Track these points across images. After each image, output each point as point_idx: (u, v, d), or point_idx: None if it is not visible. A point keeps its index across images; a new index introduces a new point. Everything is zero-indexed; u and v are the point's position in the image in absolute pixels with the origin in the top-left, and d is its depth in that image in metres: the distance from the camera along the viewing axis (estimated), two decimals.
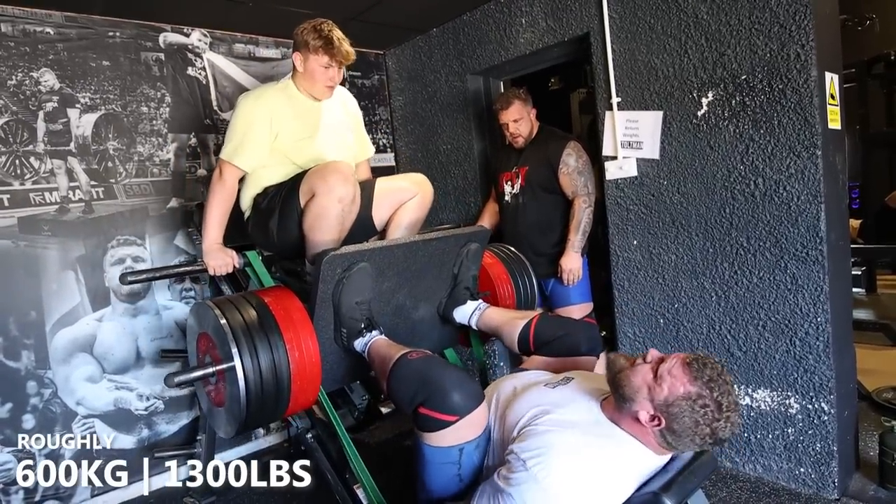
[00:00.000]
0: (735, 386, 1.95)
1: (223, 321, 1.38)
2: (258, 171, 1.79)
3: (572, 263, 2.21)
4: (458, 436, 1.13)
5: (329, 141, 1.82)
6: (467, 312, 1.75)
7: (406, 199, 1.87)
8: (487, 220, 2.53)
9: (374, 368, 1.46)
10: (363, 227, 1.84)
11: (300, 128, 1.77)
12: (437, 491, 1.18)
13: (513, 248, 2.12)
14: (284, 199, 1.74)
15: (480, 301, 1.77)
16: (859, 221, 4.17)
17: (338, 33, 1.71)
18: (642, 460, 1.06)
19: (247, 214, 1.87)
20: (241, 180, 1.80)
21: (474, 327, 1.74)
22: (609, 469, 1.02)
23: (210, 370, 1.41)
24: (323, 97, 1.80)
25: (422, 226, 1.94)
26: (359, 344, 1.53)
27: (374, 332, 1.53)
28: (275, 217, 1.75)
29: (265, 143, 1.73)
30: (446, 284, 1.78)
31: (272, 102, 1.74)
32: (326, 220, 1.63)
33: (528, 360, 1.56)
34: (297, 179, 1.73)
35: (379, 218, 1.88)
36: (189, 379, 1.45)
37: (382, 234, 1.92)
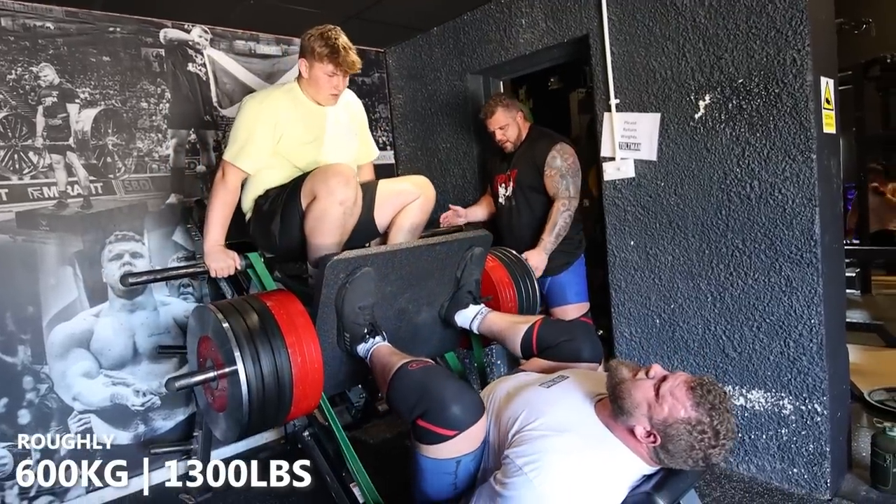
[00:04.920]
0: (729, 392, 1.99)
1: (226, 325, 1.36)
2: (260, 173, 1.77)
3: (537, 261, 2.18)
4: (455, 449, 1.13)
5: (332, 145, 1.80)
6: (469, 317, 1.73)
7: (408, 202, 1.86)
8: (482, 210, 2.54)
9: (375, 375, 1.45)
10: (365, 230, 1.83)
11: (304, 132, 1.76)
12: (433, 496, 1.19)
13: (515, 252, 2.12)
14: (286, 202, 1.72)
15: (482, 306, 1.75)
16: None
17: (344, 41, 1.69)
18: (633, 467, 1.08)
19: (248, 216, 1.86)
20: (244, 181, 1.79)
21: (476, 332, 1.73)
22: (603, 475, 1.03)
23: (212, 374, 1.40)
24: (327, 104, 1.79)
25: (423, 227, 1.93)
26: (362, 349, 1.51)
27: (378, 338, 1.51)
28: (276, 220, 1.73)
29: (268, 147, 1.72)
30: (448, 288, 1.76)
31: (277, 105, 1.72)
32: (328, 223, 1.62)
33: (526, 362, 1.55)
34: (298, 182, 1.71)
35: (381, 220, 1.87)
36: (191, 384, 1.42)
37: (384, 236, 1.91)
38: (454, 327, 1.78)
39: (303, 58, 1.72)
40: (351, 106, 1.93)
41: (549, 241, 2.20)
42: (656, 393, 1.03)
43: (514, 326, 1.59)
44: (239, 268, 1.76)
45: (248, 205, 1.84)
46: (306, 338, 1.42)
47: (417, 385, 1.19)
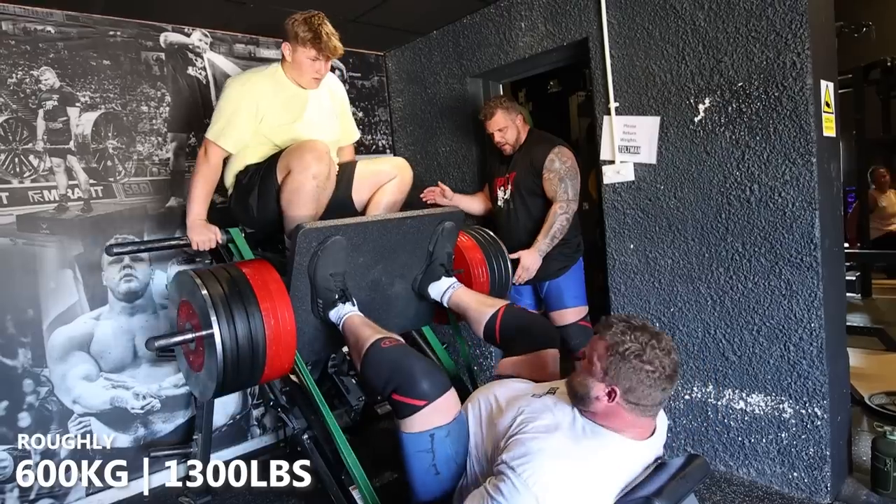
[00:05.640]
0: (729, 395, 1.99)
1: (203, 290, 1.46)
2: (241, 151, 1.85)
3: (531, 263, 2.18)
4: (428, 420, 1.22)
5: (312, 126, 1.87)
6: (441, 289, 1.79)
7: (385, 182, 1.95)
8: (472, 203, 2.52)
9: (348, 345, 1.55)
10: (343, 208, 1.92)
11: (285, 113, 1.83)
12: (417, 484, 1.26)
13: (490, 232, 2.17)
14: (263, 176, 1.82)
15: (455, 280, 1.81)
16: None
17: (327, 28, 1.76)
18: (628, 453, 1.09)
19: (230, 191, 1.95)
20: (226, 159, 1.87)
21: (445, 304, 1.79)
22: (596, 467, 1.04)
23: (189, 336, 1.48)
24: (310, 87, 1.85)
25: (401, 208, 2.00)
26: (333, 314, 1.60)
27: (348, 304, 1.59)
28: (254, 193, 1.83)
29: (250, 127, 1.80)
30: (421, 262, 1.83)
31: (259, 88, 1.79)
32: (302, 196, 1.71)
33: (503, 361, 1.60)
34: (275, 157, 1.80)
35: (359, 199, 1.97)
36: (170, 344, 1.52)
37: (362, 214, 1.97)
38: (428, 301, 1.85)
39: (286, 42, 1.78)
40: (333, 89, 2.00)
41: (544, 242, 2.20)
42: (586, 362, 1.12)
43: (481, 308, 1.66)
44: (220, 241, 1.84)
45: (229, 181, 1.93)
46: (280, 303, 1.51)
47: (390, 362, 1.31)
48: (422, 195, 2.48)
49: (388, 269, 1.76)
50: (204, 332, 1.44)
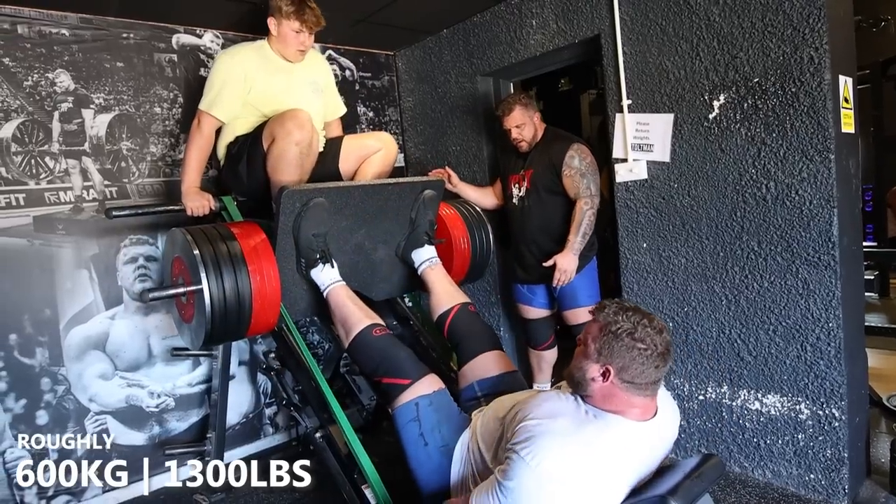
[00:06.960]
0: (745, 396, 1.97)
1: (195, 248, 1.55)
2: (231, 122, 1.96)
3: (568, 264, 2.17)
4: (413, 392, 1.44)
5: (297, 98, 1.95)
6: (421, 258, 1.89)
7: (371, 154, 2.07)
8: (478, 194, 2.51)
9: (334, 318, 1.69)
10: (331, 179, 2.00)
11: (271, 85, 1.93)
12: (411, 459, 1.39)
13: (476, 207, 2.25)
14: (250, 145, 1.92)
15: (434, 254, 1.91)
16: None
17: (309, 1, 1.87)
18: (632, 433, 1.10)
19: (222, 162, 2.07)
20: (218, 131, 1.98)
21: (419, 274, 1.89)
22: (600, 448, 1.05)
23: (181, 290, 1.61)
24: (295, 60, 1.97)
25: (385, 177, 2.09)
26: (315, 274, 1.72)
27: (328, 266, 1.71)
28: (243, 161, 1.94)
29: (239, 97, 1.91)
30: (404, 228, 1.90)
31: (247, 61, 1.90)
32: (286, 162, 1.80)
33: (461, 372, 1.69)
34: (262, 126, 1.90)
35: (345, 170, 2.09)
36: (164, 296, 1.65)
37: None
38: (413, 268, 1.92)
39: (271, 16, 1.90)
40: (318, 64, 2.12)
41: (576, 241, 2.18)
42: (582, 346, 1.15)
43: (440, 298, 1.80)
44: (213, 208, 1.95)
45: (221, 152, 2.04)
46: (265, 261, 1.62)
47: (380, 350, 1.53)
48: (429, 174, 2.51)
49: (371, 233, 1.85)
50: (194, 287, 1.55)
